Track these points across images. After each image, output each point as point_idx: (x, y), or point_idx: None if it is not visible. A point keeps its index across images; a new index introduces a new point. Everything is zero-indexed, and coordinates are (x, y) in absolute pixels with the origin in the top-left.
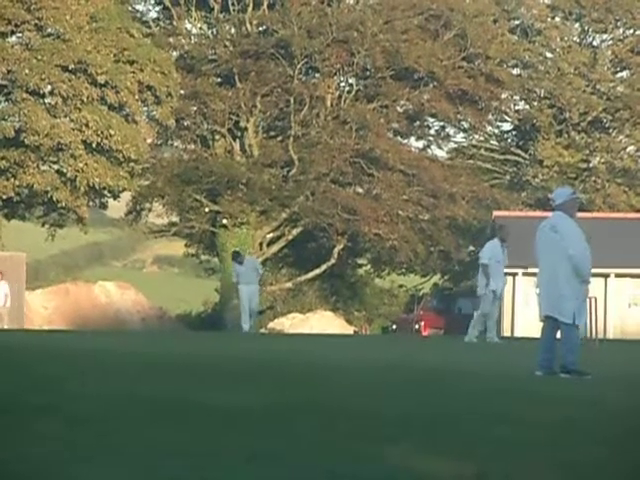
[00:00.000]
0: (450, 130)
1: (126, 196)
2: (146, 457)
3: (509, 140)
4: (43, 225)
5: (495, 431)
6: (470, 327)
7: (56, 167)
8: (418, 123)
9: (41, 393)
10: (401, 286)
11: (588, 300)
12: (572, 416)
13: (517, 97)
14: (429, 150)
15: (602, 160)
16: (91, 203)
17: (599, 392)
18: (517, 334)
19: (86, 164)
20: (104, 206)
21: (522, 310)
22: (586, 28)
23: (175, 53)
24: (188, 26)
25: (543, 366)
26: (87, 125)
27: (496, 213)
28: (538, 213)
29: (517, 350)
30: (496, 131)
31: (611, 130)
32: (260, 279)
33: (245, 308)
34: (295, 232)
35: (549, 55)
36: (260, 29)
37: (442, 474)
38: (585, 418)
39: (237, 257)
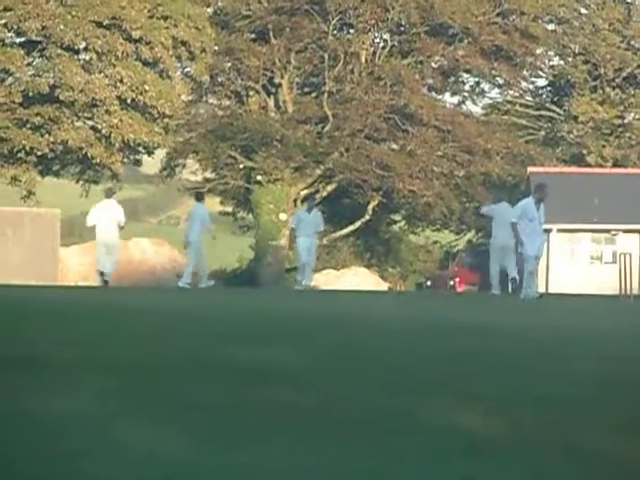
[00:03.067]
0: (485, 86)
1: (160, 152)
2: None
3: (544, 96)
4: (77, 181)
5: (535, 388)
6: (525, 287)
7: (90, 123)
8: (453, 79)
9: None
10: (435, 242)
11: (622, 256)
12: (618, 374)
13: (552, 53)
14: (464, 106)
15: (637, 116)
16: (125, 159)
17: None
18: (552, 290)
19: (121, 120)
20: (138, 162)
21: (557, 266)
22: None
23: (209, 9)
24: None
25: None
26: (122, 81)
27: (531, 169)
28: (573, 169)
29: (555, 307)
30: (531, 87)
31: None
32: (318, 234)
33: (302, 261)
34: (329, 188)
35: (584, 11)
36: None
37: (472, 424)
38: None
39: (310, 203)
